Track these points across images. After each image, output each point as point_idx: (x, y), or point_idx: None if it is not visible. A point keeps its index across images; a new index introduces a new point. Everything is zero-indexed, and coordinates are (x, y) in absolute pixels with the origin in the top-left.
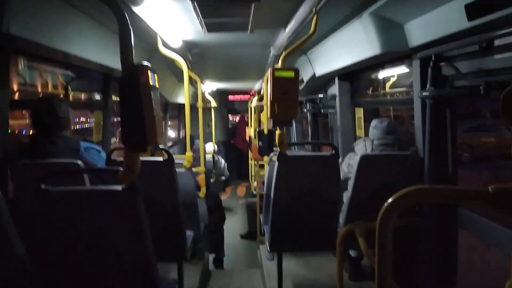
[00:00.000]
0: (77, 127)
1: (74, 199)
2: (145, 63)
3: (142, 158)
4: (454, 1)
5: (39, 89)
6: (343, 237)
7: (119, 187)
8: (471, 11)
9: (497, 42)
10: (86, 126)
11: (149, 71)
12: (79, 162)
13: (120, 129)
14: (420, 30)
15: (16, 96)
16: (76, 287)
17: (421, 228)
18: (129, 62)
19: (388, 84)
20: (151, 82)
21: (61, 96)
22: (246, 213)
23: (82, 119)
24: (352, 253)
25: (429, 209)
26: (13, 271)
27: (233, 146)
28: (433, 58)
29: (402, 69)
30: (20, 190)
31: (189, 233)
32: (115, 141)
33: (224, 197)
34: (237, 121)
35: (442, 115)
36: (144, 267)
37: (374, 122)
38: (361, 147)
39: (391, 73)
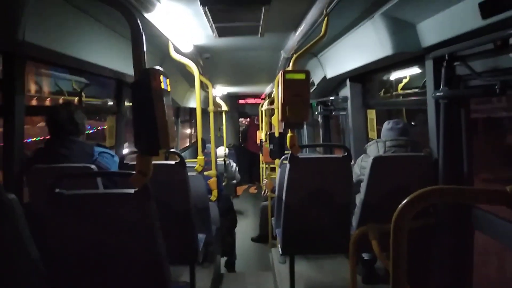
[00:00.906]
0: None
1: (87, 202)
2: (157, 67)
3: (154, 162)
4: (467, 0)
5: (54, 96)
6: (356, 239)
7: (131, 191)
8: (485, 9)
9: None
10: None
11: (161, 76)
12: (93, 166)
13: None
14: (432, 30)
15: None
16: None
17: (435, 229)
18: (142, 67)
19: (400, 86)
20: (163, 86)
21: (76, 102)
22: (259, 216)
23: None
24: (365, 256)
25: (444, 210)
26: (27, 275)
27: (245, 149)
28: (446, 58)
29: (415, 70)
30: (35, 195)
31: (201, 236)
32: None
33: (239, 192)
34: (247, 123)
35: (456, 115)
36: (156, 270)
37: (386, 124)
38: (374, 149)
39: (403, 74)
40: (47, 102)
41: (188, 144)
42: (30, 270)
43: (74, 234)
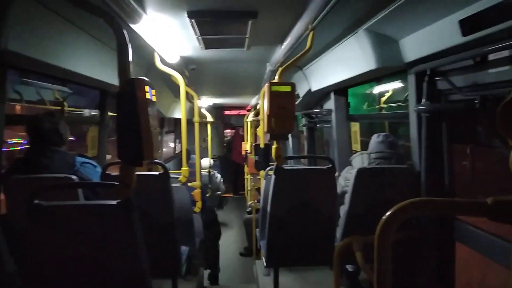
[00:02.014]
0: None
1: (67, 214)
2: (143, 78)
3: (137, 173)
4: (448, 17)
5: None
6: (340, 251)
7: (113, 202)
8: (465, 27)
9: (491, 57)
10: None
11: (146, 86)
12: (73, 176)
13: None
14: (415, 45)
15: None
16: None
17: (419, 241)
18: (127, 77)
19: (383, 99)
20: (148, 96)
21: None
22: (244, 230)
23: None
24: (349, 267)
25: (426, 222)
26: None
27: (229, 160)
28: (428, 73)
29: (397, 84)
30: (13, 206)
31: (184, 249)
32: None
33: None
34: (232, 134)
35: (437, 128)
36: (138, 282)
37: (375, 137)
38: (358, 161)
39: (386, 88)
40: (28, 111)
41: (171, 155)
42: (5, 284)
43: (54, 247)
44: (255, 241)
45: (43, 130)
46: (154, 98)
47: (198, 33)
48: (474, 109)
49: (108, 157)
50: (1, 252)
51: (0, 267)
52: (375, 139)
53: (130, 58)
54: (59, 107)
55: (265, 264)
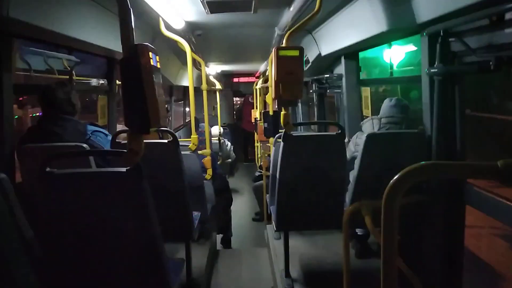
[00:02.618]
0: None
1: (79, 181)
2: (146, 44)
3: (147, 140)
4: None
5: (44, 75)
6: (350, 215)
7: (123, 169)
8: None
9: (508, 16)
10: None
11: (150, 52)
12: (84, 145)
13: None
14: (428, 6)
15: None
16: (83, 268)
17: (428, 206)
18: (130, 43)
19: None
20: (152, 63)
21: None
22: (255, 197)
23: None
24: (359, 231)
25: (436, 187)
26: (22, 254)
27: (240, 128)
28: (441, 34)
29: (410, 48)
30: (27, 174)
31: (196, 214)
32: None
33: None
34: (241, 102)
35: (450, 92)
36: (151, 247)
37: (388, 101)
38: (368, 126)
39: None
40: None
41: (181, 124)
42: (25, 250)
43: (67, 213)
44: (265, 206)
45: (57, 99)
46: (158, 65)
47: None
48: (488, 71)
49: (119, 126)
50: (19, 219)
51: (19, 233)
52: (387, 103)
53: (133, 24)
54: (67, 76)
55: (275, 228)
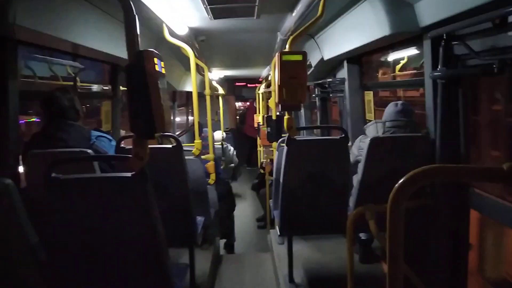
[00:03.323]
0: None
1: (84, 186)
2: (151, 49)
3: (151, 146)
4: None
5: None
6: (354, 220)
7: (128, 174)
8: None
9: (511, 18)
10: None
11: (155, 58)
12: (89, 150)
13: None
14: (430, 9)
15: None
16: (88, 273)
17: (432, 209)
18: (135, 50)
19: (398, 67)
20: (157, 69)
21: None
22: (259, 201)
23: None
24: (363, 236)
25: (441, 190)
26: (27, 260)
27: (243, 133)
28: (444, 37)
29: (412, 51)
30: (32, 179)
31: (200, 219)
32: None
33: None
34: (246, 107)
35: (454, 95)
36: (155, 252)
37: (393, 105)
38: (372, 129)
39: (401, 55)
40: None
41: (184, 129)
42: (30, 255)
43: (72, 219)
44: (268, 211)
45: (61, 106)
46: (163, 70)
47: (206, 3)
48: (492, 74)
49: (122, 132)
50: (24, 225)
51: (24, 239)
52: (392, 107)
53: (138, 30)
54: (71, 83)
55: (278, 233)
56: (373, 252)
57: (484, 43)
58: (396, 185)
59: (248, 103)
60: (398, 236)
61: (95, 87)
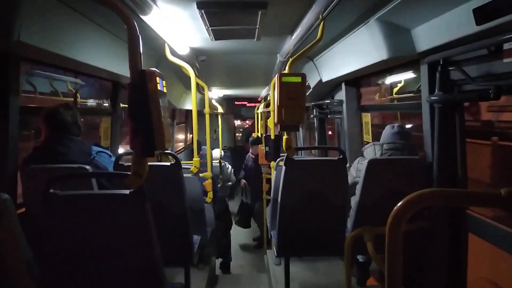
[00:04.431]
0: None
1: (82, 203)
2: (153, 69)
3: (150, 163)
4: (462, 6)
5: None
6: (351, 242)
7: (126, 191)
8: (479, 16)
9: (506, 46)
10: None
11: (157, 77)
12: (87, 166)
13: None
14: (427, 35)
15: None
16: None
17: (430, 232)
18: (138, 68)
19: (395, 90)
20: (159, 88)
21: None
22: (255, 220)
23: None
24: (360, 258)
25: (438, 213)
26: (22, 276)
27: (241, 151)
28: (441, 63)
29: (409, 75)
30: (29, 195)
31: (196, 238)
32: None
33: None
34: (250, 124)
35: (450, 119)
36: (151, 271)
37: (390, 127)
38: (370, 151)
39: (398, 79)
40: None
41: (183, 146)
42: (24, 271)
43: (69, 235)
44: (265, 231)
45: (64, 121)
46: (165, 90)
47: (208, 24)
48: (487, 99)
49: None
50: (19, 240)
51: (18, 256)
52: (389, 130)
53: (141, 50)
54: (71, 99)
55: (275, 253)
56: (370, 274)
57: (480, 69)
58: (394, 208)
59: (247, 121)
60: (396, 259)
61: (91, 103)
